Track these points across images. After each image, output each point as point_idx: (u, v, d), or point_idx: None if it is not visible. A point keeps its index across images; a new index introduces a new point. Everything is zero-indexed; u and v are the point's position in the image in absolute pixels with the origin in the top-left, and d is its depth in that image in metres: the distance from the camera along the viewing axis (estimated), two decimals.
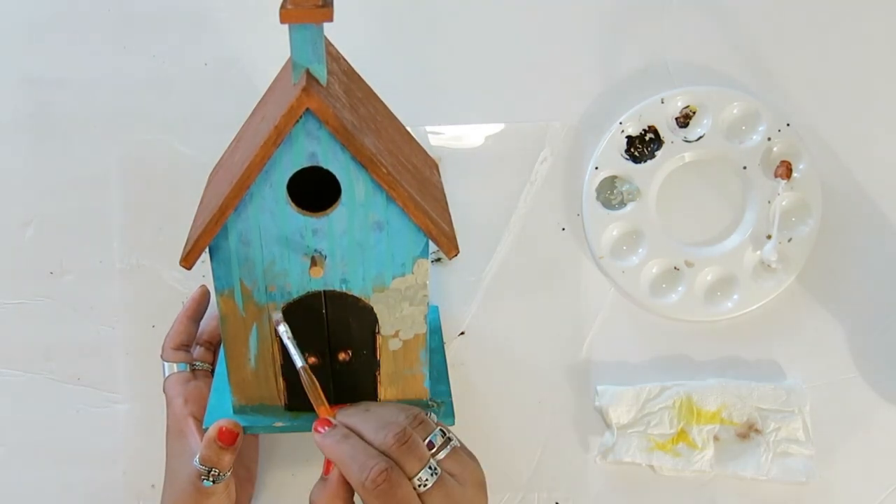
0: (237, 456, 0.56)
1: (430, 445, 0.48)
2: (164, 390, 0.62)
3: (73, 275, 0.69)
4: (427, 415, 0.51)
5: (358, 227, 0.49)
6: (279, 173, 0.47)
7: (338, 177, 0.47)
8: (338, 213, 0.49)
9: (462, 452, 0.50)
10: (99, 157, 0.68)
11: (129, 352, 0.69)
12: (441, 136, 0.69)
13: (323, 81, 0.46)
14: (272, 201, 0.48)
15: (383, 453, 0.47)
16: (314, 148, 0.46)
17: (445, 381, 0.60)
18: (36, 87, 0.67)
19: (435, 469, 0.47)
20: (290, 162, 0.47)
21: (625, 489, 0.71)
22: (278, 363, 0.54)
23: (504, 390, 0.70)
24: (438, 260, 0.69)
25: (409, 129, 0.61)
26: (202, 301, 0.64)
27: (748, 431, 0.69)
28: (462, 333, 0.70)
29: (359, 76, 0.57)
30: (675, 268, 0.69)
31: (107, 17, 0.67)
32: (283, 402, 0.56)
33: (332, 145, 0.46)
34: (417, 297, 0.52)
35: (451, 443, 0.49)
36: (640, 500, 0.71)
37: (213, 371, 0.64)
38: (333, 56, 0.54)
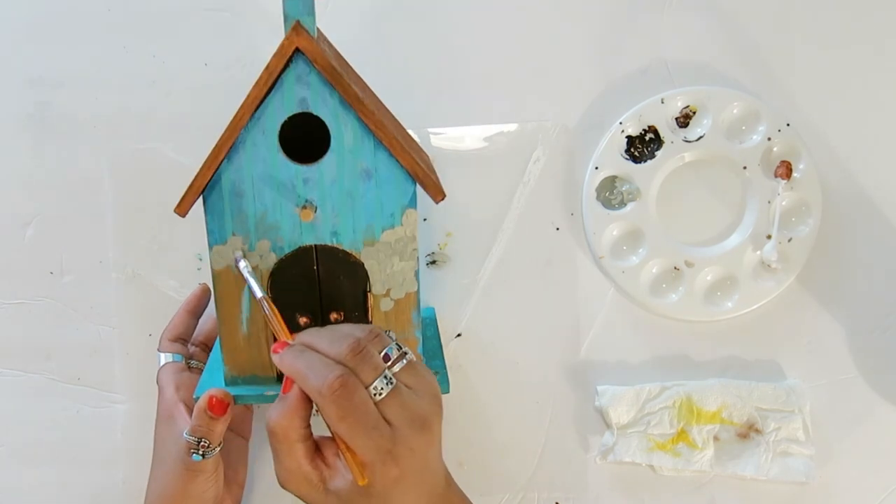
0: (225, 455, 0.56)
1: (386, 358, 0.49)
2: (157, 380, 0.62)
3: (73, 275, 0.69)
4: (385, 331, 0.52)
5: (347, 176, 0.50)
6: (270, 119, 0.49)
7: (327, 122, 0.49)
8: (327, 160, 0.50)
9: (418, 366, 0.51)
10: (99, 157, 0.68)
11: (129, 352, 0.69)
12: (439, 137, 0.68)
13: (313, 34, 0.47)
14: (264, 149, 0.49)
15: (339, 363, 0.48)
16: (304, 93, 0.48)
17: (440, 357, 0.61)
18: (36, 87, 0.67)
19: (390, 379, 0.48)
20: (281, 107, 0.49)
21: (625, 489, 0.71)
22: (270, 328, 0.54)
23: (503, 391, 0.70)
24: (434, 262, 0.69)
25: (409, 132, 0.61)
26: (202, 297, 0.65)
27: (748, 431, 0.69)
28: (459, 335, 0.70)
29: (357, 75, 0.57)
30: (675, 268, 0.69)
31: (107, 17, 0.67)
32: (275, 372, 0.56)
33: (321, 90, 0.48)
34: (407, 250, 0.53)
35: (407, 356, 0.50)
36: (640, 500, 0.71)
37: None
38: (333, 55, 0.54)
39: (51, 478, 0.70)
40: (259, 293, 0.51)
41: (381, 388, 0.47)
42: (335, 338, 0.49)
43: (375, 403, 0.47)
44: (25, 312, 0.69)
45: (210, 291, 0.65)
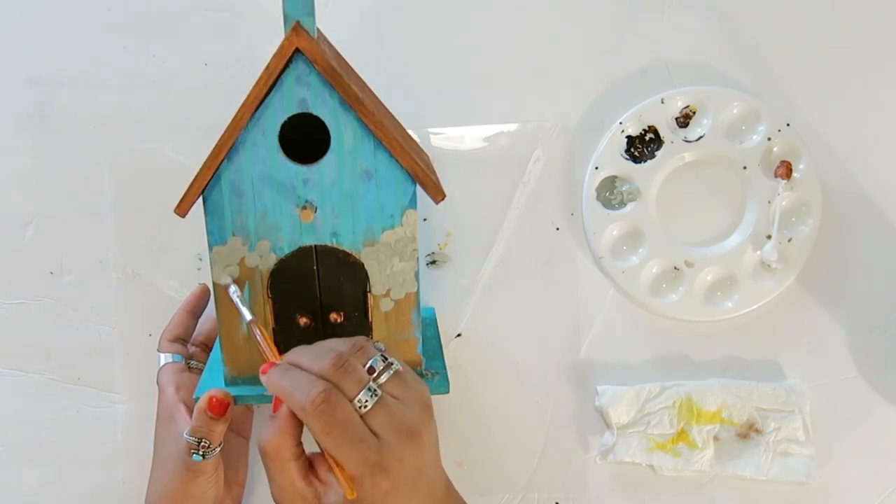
0: (225, 456, 0.56)
1: (371, 370, 0.49)
2: (157, 381, 0.62)
3: (73, 275, 0.69)
4: (371, 343, 0.52)
5: (347, 176, 0.51)
6: (270, 119, 0.49)
7: (327, 123, 0.49)
8: (327, 161, 0.50)
9: (406, 376, 0.51)
10: (99, 157, 0.68)
11: (129, 352, 0.69)
12: (439, 137, 0.69)
13: (313, 34, 0.47)
14: (264, 150, 0.49)
15: (323, 379, 0.48)
16: (304, 94, 0.48)
17: (440, 357, 0.61)
18: (36, 87, 0.67)
19: (375, 391, 0.48)
20: (281, 108, 0.49)
21: (625, 489, 0.71)
22: (270, 327, 0.55)
23: (503, 391, 0.70)
24: (434, 262, 0.69)
25: (409, 132, 0.61)
26: (202, 297, 0.65)
27: (748, 431, 0.69)
28: (459, 335, 0.70)
29: (357, 75, 0.57)
30: (675, 268, 0.69)
31: (107, 17, 0.67)
32: None
33: (321, 90, 0.48)
34: (407, 251, 0.53)
35: (393, 366, 0.50)
36: (640, 500, 0.71)
37: None
38: (333, 55, 0.54)
39: (51, 478, 0.70)
40: (248, 317, 0.51)
41: (366, 401, 0.47)
42: (318, 354, 0.49)
43: (361, 416, 0.47)
44: (25, 312, 0.69)
45: (209, 291, 0.65)
